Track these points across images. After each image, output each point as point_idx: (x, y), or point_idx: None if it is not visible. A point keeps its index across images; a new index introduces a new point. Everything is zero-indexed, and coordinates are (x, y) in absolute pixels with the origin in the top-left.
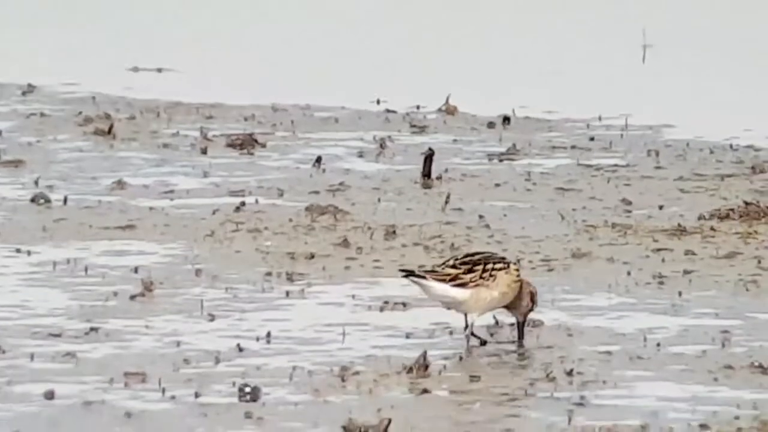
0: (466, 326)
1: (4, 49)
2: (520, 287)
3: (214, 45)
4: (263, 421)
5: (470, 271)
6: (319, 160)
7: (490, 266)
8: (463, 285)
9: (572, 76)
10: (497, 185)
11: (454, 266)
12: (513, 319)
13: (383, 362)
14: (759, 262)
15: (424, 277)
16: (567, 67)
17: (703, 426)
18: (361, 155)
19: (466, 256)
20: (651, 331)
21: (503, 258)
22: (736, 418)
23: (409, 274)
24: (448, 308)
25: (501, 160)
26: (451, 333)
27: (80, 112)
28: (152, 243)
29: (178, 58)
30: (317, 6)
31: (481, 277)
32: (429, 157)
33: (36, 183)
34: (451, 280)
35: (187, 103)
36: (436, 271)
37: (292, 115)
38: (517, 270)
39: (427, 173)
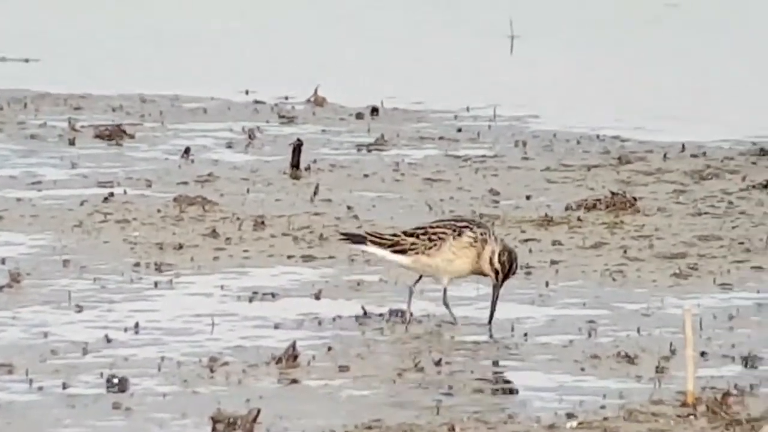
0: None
1: None
2: (480, 251)
3: (82, 35)
4: (131, 411)
5: (414, 236)
6: (187, 150)
7: (435, 232)
8: (402, 252)
9: (440, 67)
10: (366, 176)
11: (410, 234)
12: (382, 309)
13: (252, 353)
14: (625, 252)
15: (363, 243)
16: (435, 59)
17: (569, 415)
18: (229, 146)
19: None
20: (518, 321)
21: (468, 224)
22: (603, 407)
23: (348, 238)
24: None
25: (369, 151)
26: (319, 323)
27: None
28: (19, 234)
29: (45, 49)
30: None
31: (422, 245)
32: (298, 148)
33: None
34: (389, 247)
35: (55, 94)
36: (376, 236)
37: (161, 106)
38: (472, 235)
39: (295, 164)
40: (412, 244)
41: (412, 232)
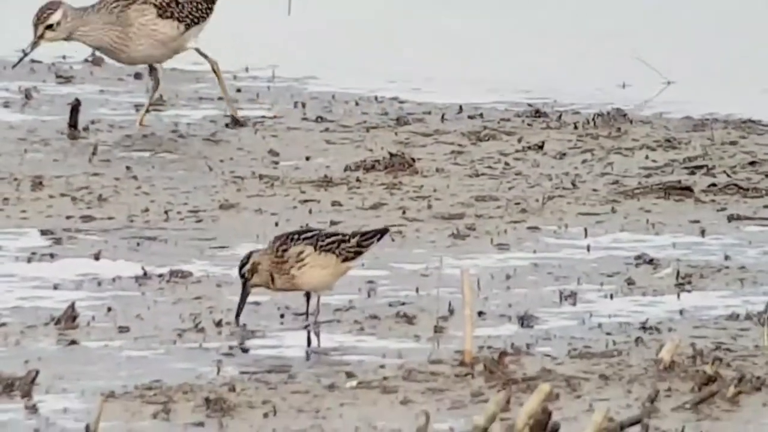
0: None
1: None
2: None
3: None
4: None
5: None
6: None
7: None
8: None
9: (219, 27)
10: (145, 136)
11: None
12: (163, 269)
13: (30, 314)
14: (404, 212)
15: None
16: (214, 19)
17: (349, 374)
18: (6, 106)
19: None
20: None
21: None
22: (382, 366)
23: None
24: None
25: (148, 111)
26: (99, 284)
27: None
28: None
29: None
30: None
31: None
32: (75, 108)
33: None
34: None
35: None
36: None
37: None
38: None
39: (73, 124)
40: None
41: None
